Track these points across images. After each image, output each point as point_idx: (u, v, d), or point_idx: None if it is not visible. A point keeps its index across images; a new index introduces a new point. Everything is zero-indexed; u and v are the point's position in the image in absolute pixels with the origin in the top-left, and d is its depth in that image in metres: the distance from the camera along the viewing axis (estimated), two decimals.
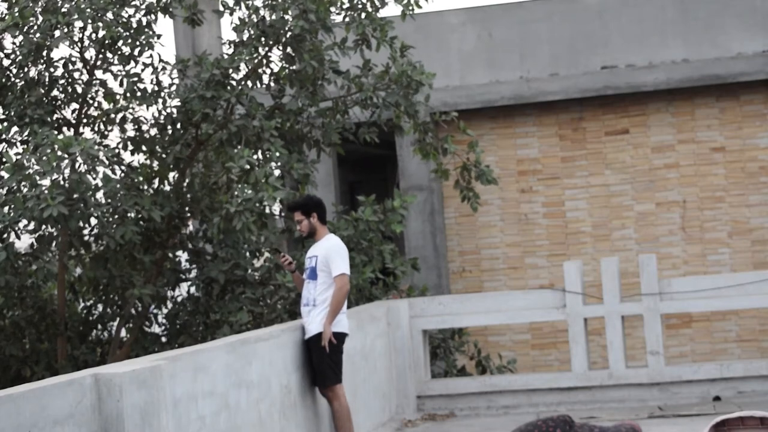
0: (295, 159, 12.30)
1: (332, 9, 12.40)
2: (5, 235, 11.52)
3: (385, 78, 12.75)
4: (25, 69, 12.26)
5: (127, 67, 12.23)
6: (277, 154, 11.83)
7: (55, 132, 11.81)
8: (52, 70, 12.39)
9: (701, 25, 15.43)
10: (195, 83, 12.14)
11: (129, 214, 11.40)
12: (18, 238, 11.68)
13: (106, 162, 11.00)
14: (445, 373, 13.70)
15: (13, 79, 12.39)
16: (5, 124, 12.10)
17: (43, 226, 11.57)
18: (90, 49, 12.27)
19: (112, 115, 12.38)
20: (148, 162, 12.52)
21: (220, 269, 12.39)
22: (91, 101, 12.54)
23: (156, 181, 12.59)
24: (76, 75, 12.49)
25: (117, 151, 11.44)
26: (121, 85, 12.19)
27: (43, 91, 12.25)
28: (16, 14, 11.73)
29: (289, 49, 12.29)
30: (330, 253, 9.36)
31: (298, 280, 9.86)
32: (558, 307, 12.19)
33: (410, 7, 12.61)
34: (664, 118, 15.76)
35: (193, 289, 13.16)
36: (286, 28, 12.12)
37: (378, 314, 11.79)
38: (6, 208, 10.90)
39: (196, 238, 13.04)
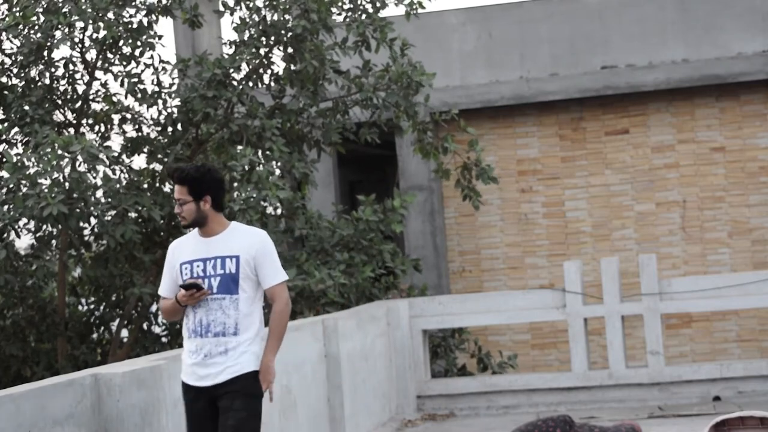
0: (295, 158, 12.30)
1: (333, 9, 12.40)
2: (5, 234, 11.52)
3: (385, 78, 12.75)
4: (26, 69, 12.26)
5: (128, 68, 12.24)
6: (278, 153, 11.83)
7: (56, 131, 11.82)
8: (52, 70, 12.39)
9: (701, 25, 15.42)
10: (196, 83, 12.14)
11: (129, 214, 11.40)
12: (18, 237, 11.69)
13: (107, 162, 11.01)
14: (446, 371, 13.70)
15: (14, 79, 12.39)
16: (6, 124, 12.10)
17: (43, 226, 11.57)
18: (91, 50, 12.27)
19: (113, 116, 12.38)
20: (151, 167, 12.51)
21: None
22: (91, 101, 12.54)
23: (157, 182, 12.58)
24: (77, 75, 12.50)
25: (117, 153, 11.42)
26: (122, 85, 12.19)
27: (43, 91, 12.25)
28: (18, 14, 11.73)
29: (290, 49, 12.29)
30: (261, 254, 6.28)
31: (175, 303, 6.28)
32: (558, 307, 12.19)
33: (414, 8, 12.61)
34: (664, 118, 15.76)
35: None
36: (287, 28, 12.12)
37: (378, 314, 11.78)
38: (6, 207, 10.90)
39: None
